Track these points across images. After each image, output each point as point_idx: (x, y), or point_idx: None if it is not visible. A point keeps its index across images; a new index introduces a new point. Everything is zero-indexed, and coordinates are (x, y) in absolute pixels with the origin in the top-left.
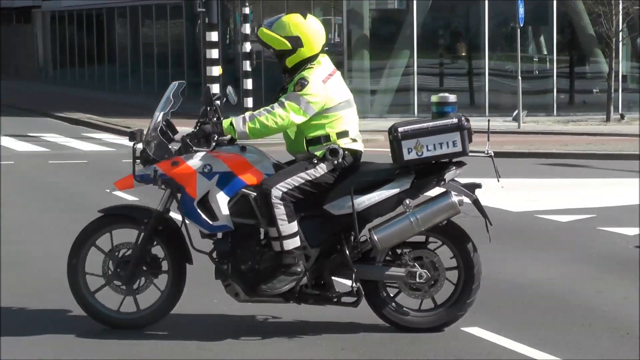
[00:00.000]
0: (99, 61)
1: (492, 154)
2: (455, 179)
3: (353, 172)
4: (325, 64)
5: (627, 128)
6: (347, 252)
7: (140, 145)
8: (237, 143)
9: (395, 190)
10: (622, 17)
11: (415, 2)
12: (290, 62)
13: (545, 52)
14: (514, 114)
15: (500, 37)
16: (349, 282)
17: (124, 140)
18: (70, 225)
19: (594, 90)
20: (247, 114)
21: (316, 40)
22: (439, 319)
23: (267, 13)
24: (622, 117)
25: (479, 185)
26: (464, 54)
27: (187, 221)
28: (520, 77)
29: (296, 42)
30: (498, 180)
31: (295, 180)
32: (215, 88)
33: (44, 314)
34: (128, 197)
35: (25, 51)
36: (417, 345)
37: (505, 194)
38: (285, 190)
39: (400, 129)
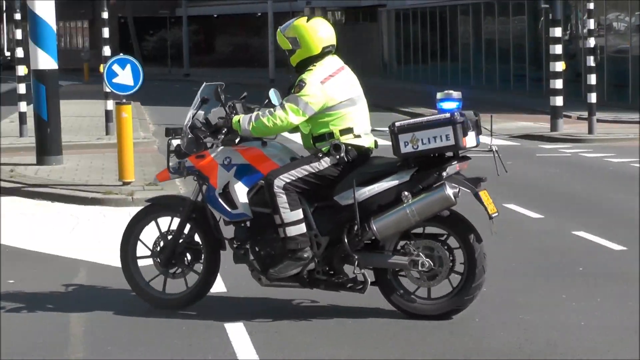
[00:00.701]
0: (441, 57)
1: (495, 149)
2: (462, 172)
3: (359, 166)
4: (327, 64)
5: None
6: (346, 240)
7: (176, 141)
8: (264, 139)
9: (395, 182)
10: None
11: None
12: (293, 61)
13: None
14: None
15: None
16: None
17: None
18: None
19: None
20: (254, 113)
21: (314, 42)
22: (447, 305)
23: (610, 7)
24: None
25: (483, 179)
26: None
27: (211, 209)
28: None
29: (294, 43)
30: (497, 174)
31: (299, 172)
32: (558, 84)
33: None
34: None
35: (370, 48)
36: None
37: None
38: (288, 180)
39: (397, 124)
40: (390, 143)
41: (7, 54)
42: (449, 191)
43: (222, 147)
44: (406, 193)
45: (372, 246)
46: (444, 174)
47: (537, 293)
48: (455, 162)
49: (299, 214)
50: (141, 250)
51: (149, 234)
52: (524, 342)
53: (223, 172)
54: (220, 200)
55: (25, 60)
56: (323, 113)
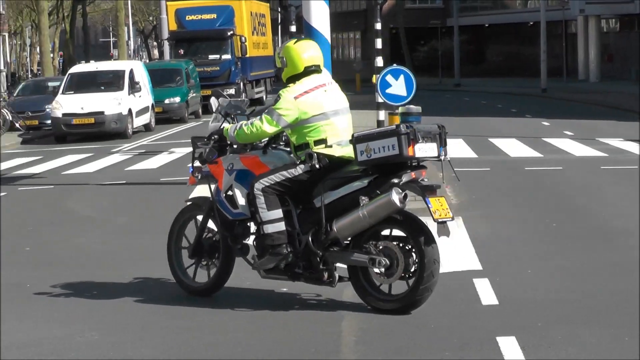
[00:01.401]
0: None
1: (445, 159)
2: (421, 179)
3: (333, 172)
4: (306, 82)
5: None
6: (310, 239)
7: (201, 149)
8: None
9: (355, 188)
10: None
11: None
12: (283, 77)
13: None
14: None
15: None
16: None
17: None
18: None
19: None
20: (240, 122)
21: (297, 62)
22: (401, 303)
23: None
24: None
25: (436, 187)
26: None
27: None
28: None
29: (283, 62)
30: (455, 181)
31: (277, 177)
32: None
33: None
34: None
35: None
36: None
37: None
38: (267, 184)
39: (355, 135)
40: None
41: None
42: (394, 196)
43: (229, 155)
44: (363, 197)
45: (339, 244)
46: (398, 180)
47: None
48: (409, 170)
49: (275, 213)
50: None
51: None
52: None
53: (227, 176)
54: (224, 200)
55: None
56: (301, 125)
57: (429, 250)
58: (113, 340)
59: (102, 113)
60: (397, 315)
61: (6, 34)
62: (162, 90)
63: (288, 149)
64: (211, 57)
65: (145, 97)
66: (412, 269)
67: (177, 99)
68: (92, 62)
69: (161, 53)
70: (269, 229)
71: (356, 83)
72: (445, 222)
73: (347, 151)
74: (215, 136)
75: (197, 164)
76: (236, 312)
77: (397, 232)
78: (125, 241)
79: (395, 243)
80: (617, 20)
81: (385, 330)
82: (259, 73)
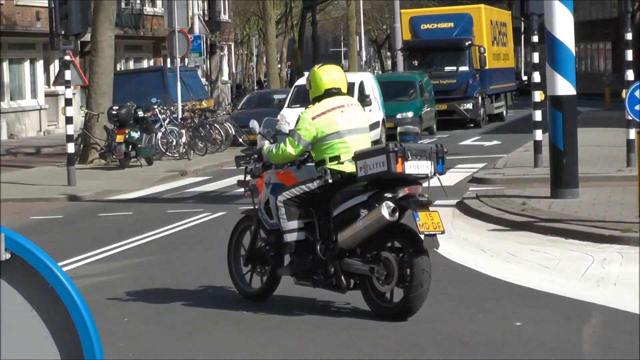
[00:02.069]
0: None
1: (434, 176)
2: (419, 195)
3: (346, 187)
4: (325, 103)
5: None
6: (318, 248)
7: (250, 166)
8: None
9: (358, 201)
10: None
11: None
12: (310, 97)
13: None
14: None
15: None
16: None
17: None
18: None
19: None
20: (273, 145)
21: (318, 85)
22: (398, 309)
23: None
24: None
25: (428, 202)
26: None
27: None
28: None
29: (309, 84)
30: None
31: (297, 190)
32: None
33: None
34: None
35: None
36: None
37: None
38: (288, 197)
39: (356, 152)
40: None
41: (524, 78)
42: (384, 210)
43: (270, 170)
44: (363, 210)
45: (349, 254)
46: (393, 195)
47: None
48: (404, 186)
49: (294, 224)
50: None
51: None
52: None
53: (265, 189)
54: (264, 211)
55: (542, 86)
56: (319, 143)
57: (418, 260)
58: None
59: None
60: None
61: (232, 44)
62: (393, 104)
63: None
64: (447, 69)
65: (375, 112)
66: (408, 279)
67: (410, 114)
68: None
69: (394, 64)
70: (288, 237)
71: (605, 98)
72: (433, 234)
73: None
74: (255, 155)
75: (248, 177)
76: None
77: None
78: None
79: (393, 254)
80: None
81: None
82: (499, 86)
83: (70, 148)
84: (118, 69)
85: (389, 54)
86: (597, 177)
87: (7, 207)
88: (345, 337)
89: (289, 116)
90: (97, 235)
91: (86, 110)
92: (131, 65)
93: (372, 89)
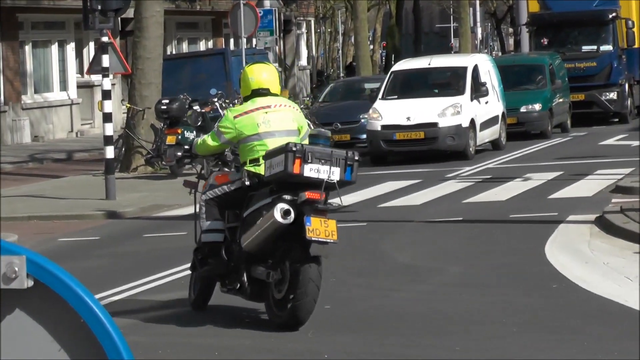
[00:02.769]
0: None
1: (331, 180)
2: (320, 200)
3: (261, 189)
4: (250, 104)
5: None
6: (223, 251)
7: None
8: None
9: (262, 203)
10: None
11: None
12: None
13: None
14: None
15: None
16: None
17: None
18: None
19: None
20: (199, 138)
21: (245, 85)
22: (283, 318)
23: None
24: None
25: (328, 209)
26: None
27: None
28: None
29: (238, 83)
30: (341, 203)
31: (218, 190)
32: None
33: None
34: None
35: None
36: None
37: None
38: (210, 197)
39: (266, 151)
40: None
41: None
42: (276, 212)
43: (212, 172)
44: (264, 212)
45: (254, 258)
46: (291, 197)
47: None
48: (305, 190)
49: (211, 224)
50: None
51: None
52: None
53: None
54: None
55: None
56: (242, 144)
57: (305, 268)
58: None
59: (434, 125)
60: None
61: (312, 19)
62: (516, 95)
63: None
64: (585, 48)
65: (493, 104)
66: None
67: (538, 106)
68: (423, 56)
69: (517, 43)
70: (204, 238)
71: None
72: (323, 242)
73: None
74: (187, 146)
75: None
76: None
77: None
78: (457, 300)
79: (289, 261)
80: None
81: None
82: None
83: (109, 153)
84: (168, 53)
85: (510, 30)
86: None
87: (31, 227)
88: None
89: (383, 110)
90: (141, 261)
91: (128, 105)
92: (185, 47)
93: (490, 75)
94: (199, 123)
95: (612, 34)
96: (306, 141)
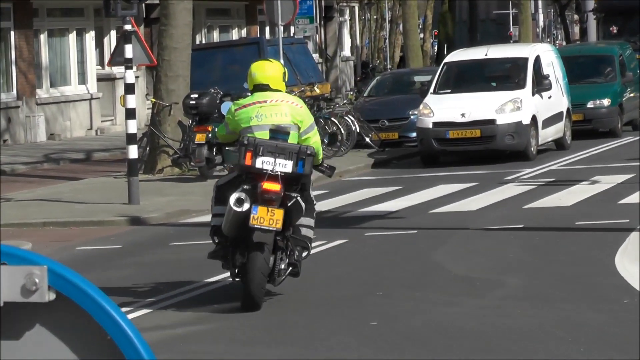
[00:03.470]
0: None
1: (280, 172)
2: (274, 191)
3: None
4: (250, 98)
5: None
6: (210, 234)
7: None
8: None
9: (237, 194)
10: None
11: None
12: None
13: None
14: None
15: None
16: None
17: None
18: None
19: None
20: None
21: (250, 81)
22: (241, 301)
23: None
24: None
25: (276, 198)
26: None
27: None
28: None
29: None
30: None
31: (226, 178)
32: None
33: None
34: None
35: None
36: None
37: None
38: (218, 184)
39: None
40: None
41: None
42: (231, 201)
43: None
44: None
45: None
46: (247, 186)
47: None
48: (260, 181)
49: (216, 209)
50: None
51: None
52: None
53: None
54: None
55: None
56: (242, 135)
57: (252, 255)
58: None
59: (492, 122)
60: None
61: (356, 5)
62: (583, 89)
63: None
64: None
65: (557, 99)
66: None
67: (606, 102)
68: (480, 46)
69: (583, 32)
70: (211, 222)
71: None
72: (265, 229)
73: None
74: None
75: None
76: None
77: None
78: (517, 316)
79: (244, 248)
80: None
81: None
82: None
83: (133, 152)
84: (197, 42)
85: (576, 17)
86: None
87: (46, 234)
88: None
89: (435, 106)
90: (168, 272)
91: (154, 100)
92: (216, 37)
93: (553, 67)
94: None
95: None
96: (313, 136)
